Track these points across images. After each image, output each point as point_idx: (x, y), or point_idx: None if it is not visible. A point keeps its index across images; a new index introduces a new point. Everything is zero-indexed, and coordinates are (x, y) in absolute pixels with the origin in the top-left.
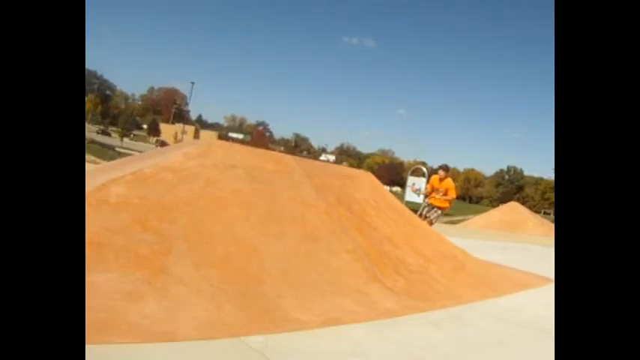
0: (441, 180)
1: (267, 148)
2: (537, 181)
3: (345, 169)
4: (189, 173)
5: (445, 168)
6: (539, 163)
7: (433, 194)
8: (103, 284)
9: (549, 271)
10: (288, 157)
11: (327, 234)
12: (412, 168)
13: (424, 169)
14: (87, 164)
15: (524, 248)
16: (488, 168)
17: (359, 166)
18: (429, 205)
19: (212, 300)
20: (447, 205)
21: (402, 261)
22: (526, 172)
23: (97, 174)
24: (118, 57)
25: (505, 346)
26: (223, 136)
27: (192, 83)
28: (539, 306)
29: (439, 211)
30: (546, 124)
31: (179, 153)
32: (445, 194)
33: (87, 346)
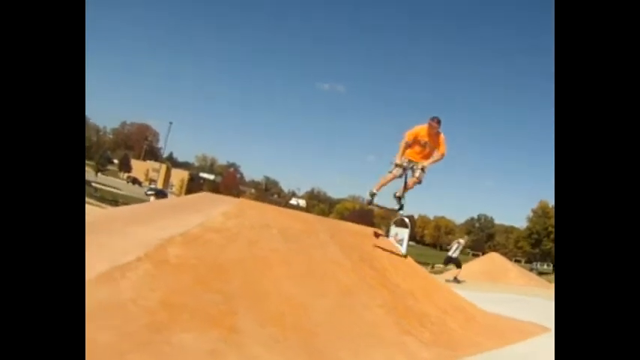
0: (431, 134)
1: (238, 190)
2: (508, 229)
3: (359, 227)
4: (231, 234)
5: (439, 120)
6: (510, 211)
7: (414, 147)
8: (185, 343)
9: (543, 320)
10: (311, 217)
11: (358, 290)
12: (395, 218)
13: (406, 220)
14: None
15: (513, 299)
16: (459, 216)
17: (329, 212)
18: (408, 162)
19: (284, 356)
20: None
21: (424, 314)
22: (496, 221)
23: (119, 224)
24: (92, 87)
25: None
26: (194, 176)
27: (171, 123)
28: (550, 351)
29: (425, 167)
30: (519, 173)
31: (217, 212)
32: (438, 148)
33: None
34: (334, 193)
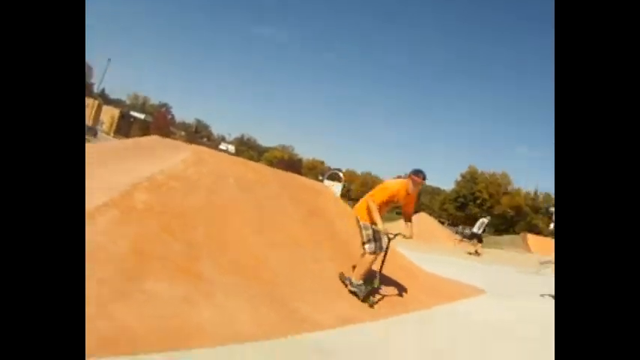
0: (411, 192)
1: (169, 130)
2: (434, 190)
3: (311, 182)
4: (191, 182)
5: (425, 176)
6: (438, 172)
7: (382, 209)
8: (159, 291)
9: (476, 281)
10: (265, 168)
11: (309, 243)
12: (328, 172)
13: (340, 174)
14: None
15: (447, 261)
16: (386, 173)
17: (258, 159)
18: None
19: (249, 304)
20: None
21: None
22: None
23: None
24: None
25: (489, 338)
26: (125, 114)
27: (109, 60)
28: (485, 310)
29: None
30: (451, 135)
31: (177, 160)
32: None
33: (181, 351)
34: (264, 141)
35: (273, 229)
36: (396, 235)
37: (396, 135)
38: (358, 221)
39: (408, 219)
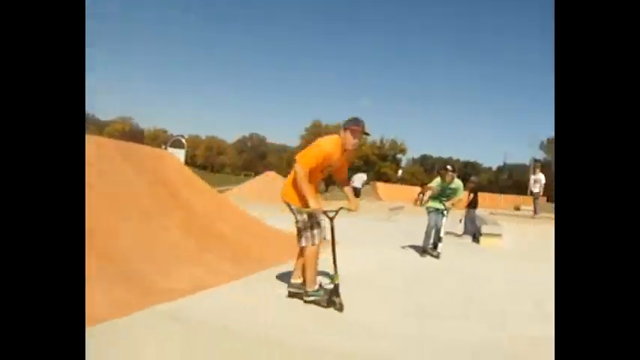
0: (348, 149)
1: None
2: (281, 148)
3: (152, 149)
4: None
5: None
6: (283, 130)
7: (315, 174)
8: None
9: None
10: (104, 140)
11: (156, 212)
12: (171, 140)
13: (183, 140)
14: None
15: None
16: (230, 135)
17: (99, 135)
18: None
19: (104, 285)
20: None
21: (220, 232)
22: (269, 140)
23: None
24: None
25: (350, 288)
26: None
27: None
28: (346, 262)
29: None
30: (296, 90)
31: None
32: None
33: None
34: (103, 115)
35: (119, 202)
36: (337, 210)
37: (238, 95)
38: (289, 206)
39: (345, 184)
